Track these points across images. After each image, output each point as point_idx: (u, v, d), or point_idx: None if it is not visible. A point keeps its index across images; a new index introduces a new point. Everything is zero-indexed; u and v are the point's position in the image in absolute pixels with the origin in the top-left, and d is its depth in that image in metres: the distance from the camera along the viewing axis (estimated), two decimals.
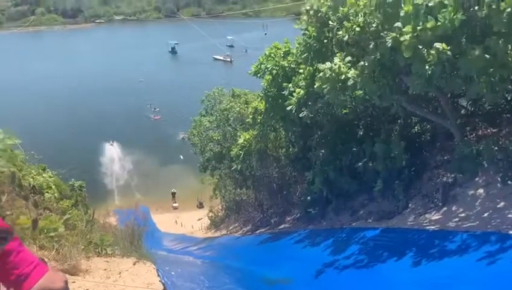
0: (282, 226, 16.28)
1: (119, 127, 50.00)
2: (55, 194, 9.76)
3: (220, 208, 28.40)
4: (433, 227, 9.40)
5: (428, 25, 7.69)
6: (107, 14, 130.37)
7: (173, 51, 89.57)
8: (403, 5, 8.37)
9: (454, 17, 7.52)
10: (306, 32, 11.88)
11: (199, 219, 31.24)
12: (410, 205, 11.14)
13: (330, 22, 10.90)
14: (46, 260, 4.77)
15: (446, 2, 7.76)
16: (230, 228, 22.76)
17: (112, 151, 45.90)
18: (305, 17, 11.82)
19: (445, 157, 11.57)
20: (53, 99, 57.46)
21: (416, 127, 13.37)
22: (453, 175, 10.62)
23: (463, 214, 9.26)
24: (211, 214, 29.06)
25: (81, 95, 59.64)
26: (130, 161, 44.31)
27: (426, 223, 9.77)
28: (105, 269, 6.51)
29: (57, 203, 10.11)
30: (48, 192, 9.23)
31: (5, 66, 62.67)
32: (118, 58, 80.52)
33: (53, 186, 10.00)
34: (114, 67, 73.74)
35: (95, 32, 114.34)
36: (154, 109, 53.85)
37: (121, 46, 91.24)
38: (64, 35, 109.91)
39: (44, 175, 10.11)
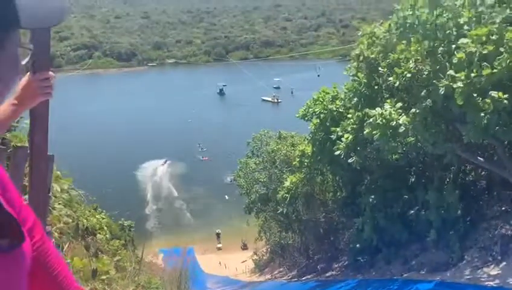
0: (329, 273, 15.81)
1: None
2: (107, 235, 9.99)
3: (265, 251, 28.04)
4: (492, 283, 8.85)
5: (484, 72, 7.53)
6: (160, 58, 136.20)
7: (221, 93, 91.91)
8: (455, 53, 8.28)
9: (511, 64, 7.34)
10: (356, 78, 11.91)
11: (243, 261, 30.91)
12: (466, 257, 10.56)
13: (380, 69, 10.91)
14: None
15: (502, 50, 7.60)
16: (275, 272, 22.34)
17: (159, 190, 46.95)
18: (354, 64, 11.91)
19: (503, 208, 10.99)
20: (106, 139, 59.77)
21: (470, 175, 12.86)
22: None
23: None
24: (255, 256, 28.73)
25: (132, 135, 61.84)
26: (176, 199, 45.03)
27: (484, 278, 9.21)
28: None
29: (107, 244, 10.36)
30: (99, 233, 9.47)
31: (65, 106, 66.20)
32: (168, 100, 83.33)
33: (105, 227, 10.26)
34: (164, 108, 76.23)
35: (147, 74, 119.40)
36: (202, 148, 54.86)
37: (171, 88, 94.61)
38: (119, 78, 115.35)
39: (97, 216, 10.41)
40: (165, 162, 52.16)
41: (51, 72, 2.17)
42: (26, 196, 2.54)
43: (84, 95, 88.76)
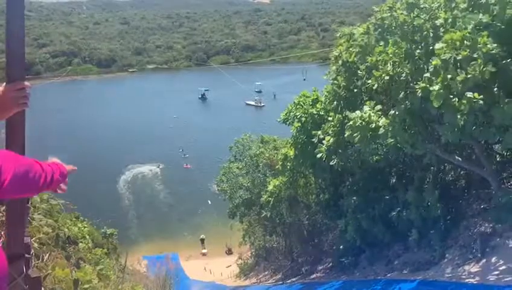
0: (314, 275, 15.88)
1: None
2: (89, 244, 9.88)
3: (249, 255, 28.03)
4: (472, 280, 8.99)
5: (459, 78, 7.67)
6: (140, 64, 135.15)
7: (203, 98, 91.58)
8: (431, 60, 8.43)
9: (484, 69, 7.50)
10: (335, 82, 12.02)
11: (228, 266, 30.87)
12: (447, 255, 10.73)
13: (359, 72, 11.04)
14: None
15: (475, 56, 7.76)
16: (260, 276, 22.35)
17: (142, 196, 46.54)
18: (333, 67, 12.02)
19: (482, 206, 11.20)
20: (86, 145, 58.97)
21: (450, 174, 13.07)
22: (491, 225, 10.24)
23: (503, 267, 8.83)
24: (240, 261, 28.70)
25: (113, 141, 61.23)
26: (160, 206, 44.67)
27: (465, 275, 9.36)
28: None
29: (90, 253, 10.23)
30: (81, 242, 9.36)
31: (44, 113, 65.20)
32: (149, 105, 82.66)
33: (87, 236, 10.14)
34: (146, 114, 75.62)
35: (128, 80, 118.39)
36: (184, 155, 54.54)
37: (152, 94, 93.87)
38: (99, 84, 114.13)
39: (79, 225, 10.29)
40: (158, 166, 52.28)
41: (26, 82, 2.15)
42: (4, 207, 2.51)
43: (64, 102, 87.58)
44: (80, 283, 5.81)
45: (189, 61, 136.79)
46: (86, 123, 70.87)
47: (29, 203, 3.07)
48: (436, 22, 8.99)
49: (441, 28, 8.76)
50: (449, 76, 7.68)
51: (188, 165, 52.54)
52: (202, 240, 37.76)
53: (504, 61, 7.41)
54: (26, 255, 2.50)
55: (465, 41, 7.63)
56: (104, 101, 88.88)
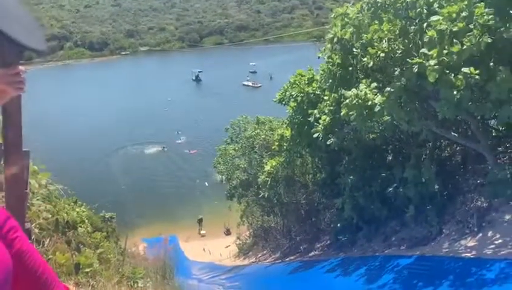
0: (312, 253, 16.05)
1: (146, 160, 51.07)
2: (88, 228, 9.91)
3: (248, 235, 28.23)
4: (469, 254, 9.12)
5: (454, 49, 7.65)
6: (132, 46, 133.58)
7: (197, 79, 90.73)
8: (427, 31, 8.39)
9: (480, 40, 7.47)
10: (330, 60, 11.95)
11: (227, 246, 31.09)
12: (444, 230, 10.85)
13: (354, 50, 10.98)
14: None
15: (471, 26, 7.73)
16: (259, 255, 22.55)
17: (141, 178, 46.56)
18: (328, 45, 11.94)
19: (478, 181, 11.28)
20: (79, 131, 58.64)
21: (446, 150, 13.14)
22: (487, 199, 10.34)
23: (500, 241, 8.96)
24: (238, 241, 28.90)
25: (109, 125, 60.89)
26: (158, 190, 44.70)
27: (461, 250, 9.49)
28: None
29: (89, 237, 10.27)
30: (81, 226, 9.37)
31: (38, 99, 64.75)
32: (143, 88, 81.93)
33: (86, 220, 10.15)
34: (139, 98, 75.01)
35: (120, 63, 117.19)
36: (181, 139, 54.14)
37: (145, 76, 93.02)
38: (92, 68, 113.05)
39: (77, 209, 10.29)
40: (163, 148, 52.13)
41: (21, 67, 2.12)
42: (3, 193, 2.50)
43: (57, 87, 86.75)
44: (81, 266, 5.86)
45: (182, 43, 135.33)
46: (79, 108, 70.33)
47: (28, 189, 3.06)
48: None
49: (435, 4, 8.69)
50: (445, 51, 7.66)
51: (193, 150, 51.19)
52: (200, 221, 37.92)
53: (498, 30, 7.37)
54: None
55: (462, 13, 7.58)
56: (98, 85, 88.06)
